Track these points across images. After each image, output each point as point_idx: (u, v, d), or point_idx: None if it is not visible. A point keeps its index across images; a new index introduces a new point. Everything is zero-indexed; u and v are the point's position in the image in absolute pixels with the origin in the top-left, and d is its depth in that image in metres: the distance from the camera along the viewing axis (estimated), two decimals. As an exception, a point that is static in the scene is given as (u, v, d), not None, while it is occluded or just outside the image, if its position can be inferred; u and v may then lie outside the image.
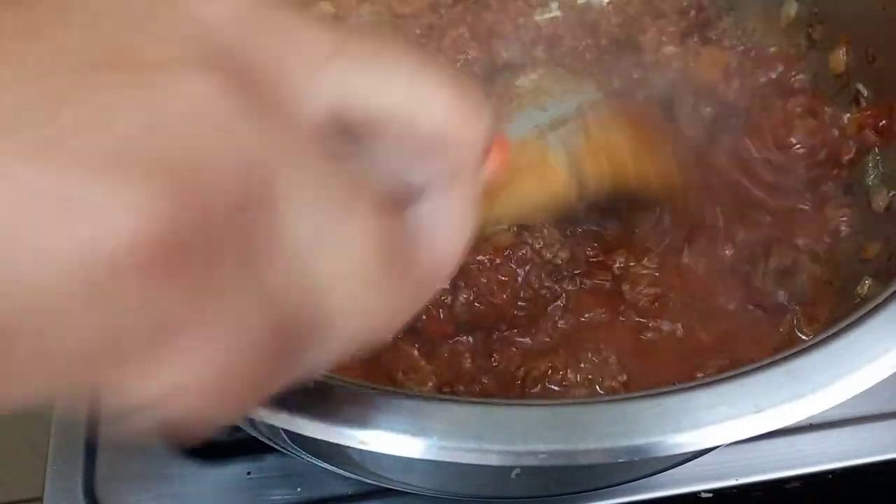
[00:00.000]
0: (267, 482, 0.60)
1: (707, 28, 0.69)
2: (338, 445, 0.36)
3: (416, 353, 0.53)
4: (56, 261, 0.16)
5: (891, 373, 0.38)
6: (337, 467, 0.53)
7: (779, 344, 0.53)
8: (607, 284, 0.56)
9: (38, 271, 0.16)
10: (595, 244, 0.57)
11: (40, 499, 0.59)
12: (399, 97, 0.24)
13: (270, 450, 0.60)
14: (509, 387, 0.52)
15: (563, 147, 0.42)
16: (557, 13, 0.71)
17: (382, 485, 0.57)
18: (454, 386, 0.52)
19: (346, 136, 0.23)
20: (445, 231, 0.26)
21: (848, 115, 0.62)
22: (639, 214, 0.56)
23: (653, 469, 0.53)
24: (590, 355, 0.52)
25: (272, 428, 0.38)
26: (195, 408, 0.21)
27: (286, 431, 0.37)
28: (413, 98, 0.24)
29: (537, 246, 0.53)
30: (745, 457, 0.60)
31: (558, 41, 0.68)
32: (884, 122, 0.60)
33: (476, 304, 0.53)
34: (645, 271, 0.56)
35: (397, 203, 0.25)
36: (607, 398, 0.37)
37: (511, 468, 0.41)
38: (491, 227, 0.37)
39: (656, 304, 0.55)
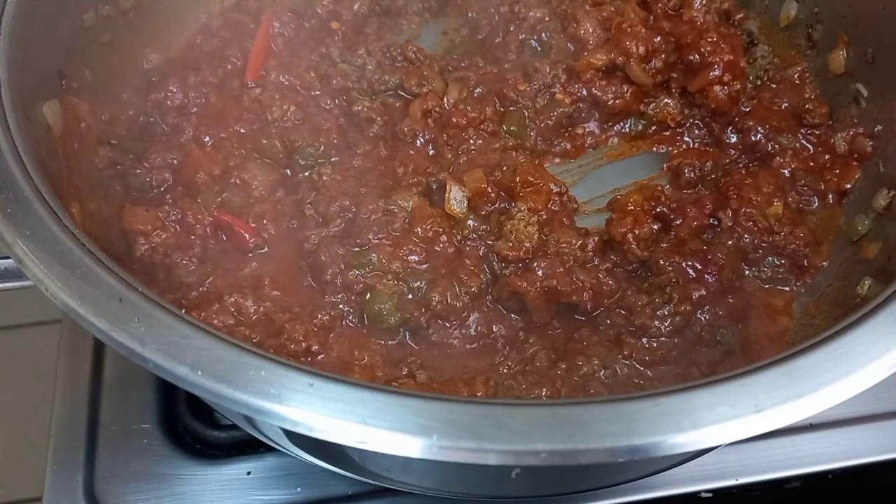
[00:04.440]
0: (267, 482, 0.60)
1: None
2: (338, 445, 0.36)
3: None
4: None
5: (891, 373, 0.38)
6: (337, 467, 0.53)
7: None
8: None
9: None
10: None
11: (40, 499, 0.59)
12: None
13: (270, 450, 0.60)
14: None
15: None
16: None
17: (382, 485, 0.57)
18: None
19: None
20: None
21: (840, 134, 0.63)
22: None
23: (653, 469, 0.53)
24: None
25: (272, 428, 0.38)
26: None
27: (286, 431, 0.37)
28: None
29: None
30: (745, 457, 0.60)
31: None
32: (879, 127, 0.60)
33: None
34: None
35: None
36: (607, 398, 0.37)
37: (511, 468, 0.41)
38: None
39: None
